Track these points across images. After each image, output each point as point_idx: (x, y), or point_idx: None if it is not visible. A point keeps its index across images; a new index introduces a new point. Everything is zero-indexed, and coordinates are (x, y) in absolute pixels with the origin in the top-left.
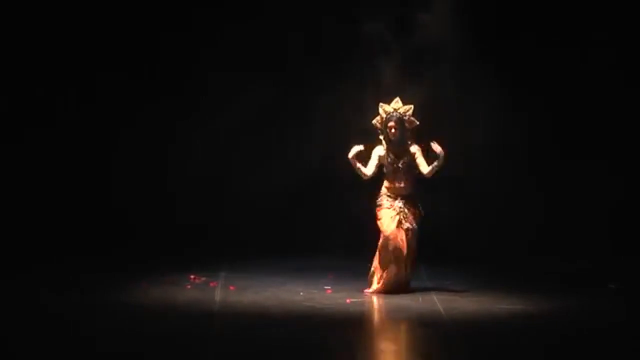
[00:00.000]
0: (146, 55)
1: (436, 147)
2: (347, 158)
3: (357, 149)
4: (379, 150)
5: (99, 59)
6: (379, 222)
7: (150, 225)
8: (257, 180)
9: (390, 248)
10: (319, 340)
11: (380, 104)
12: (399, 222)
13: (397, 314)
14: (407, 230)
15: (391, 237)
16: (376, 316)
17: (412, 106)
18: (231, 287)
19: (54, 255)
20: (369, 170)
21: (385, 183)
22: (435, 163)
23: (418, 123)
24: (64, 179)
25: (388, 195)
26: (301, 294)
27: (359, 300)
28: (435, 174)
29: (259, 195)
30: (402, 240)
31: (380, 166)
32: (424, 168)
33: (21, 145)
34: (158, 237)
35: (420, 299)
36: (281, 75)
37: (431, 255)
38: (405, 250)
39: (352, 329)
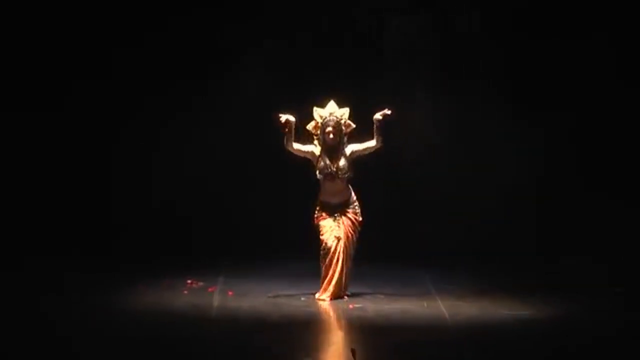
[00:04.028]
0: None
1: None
2: (286, 122)
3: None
4: (313, 148)
5: (92, 62)
6: (321, 231)
7: (147, 228)
8: (256, 181)
9: (329, 258)
10: (319, 346)
11: (315, 108)
12: (337, 232)
13: (400, 319)
14: (339, 239)
15: (331, 249)
16: (379, 321)
17: (347, 109)
18: (229, 292)
19: (47, 256)
20: (294, 145)
21: (322, 191)
22: (377, 133)
23: (354, 126)
24: (62, 178)
25: (325, 205)
26: (302, 299)
27: (361, 306)
28: (383, 137)
29: (258, 197)
30: (339, 248)
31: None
32: (372, 144)
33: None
34: (155, 240)
35: (425, 304)
36: (279, 75)
37: (435, 259)
38: (342, 260)
39: (354, 335)
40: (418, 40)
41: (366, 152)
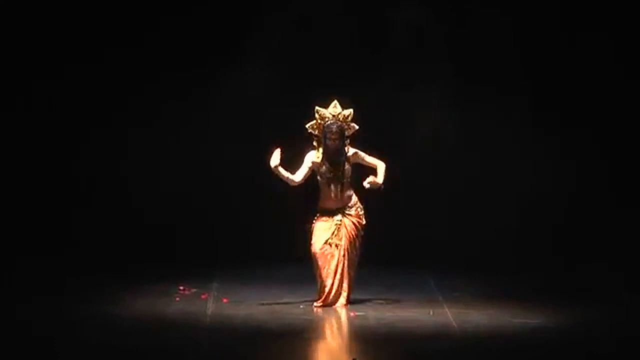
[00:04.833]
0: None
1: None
2: (269, 167)
3: (277, 155)
4: (312, 156)
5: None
6: (312, 235)
7: (139, 232)
8: (253, 184)
9: (320, 263)
10: (318, 357)
11: (317, 108)
12: (331, 236)
13: (404, 328)
14: (337, 246)
15: (318, 254)
16: (382, 330)
17: (351, 110)
18: (224, 300)
19: (38, 257)
20: (298, 176)
21: (321, 198)
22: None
23: (357, 128)
24: (52, 180)
25: (324, 211)
26: (301, 307)
27: (363, 313)
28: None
29: (255, 201)
30: (331, 255)
31: (311, 173)
32: (374, 165)
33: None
34: (145, 244)
35: (431, 311)
36: (278, 74)
37: (443, 265)
38: (335, 266)
39: (355, 345)
40: (425, 39)
41: (367, 166)
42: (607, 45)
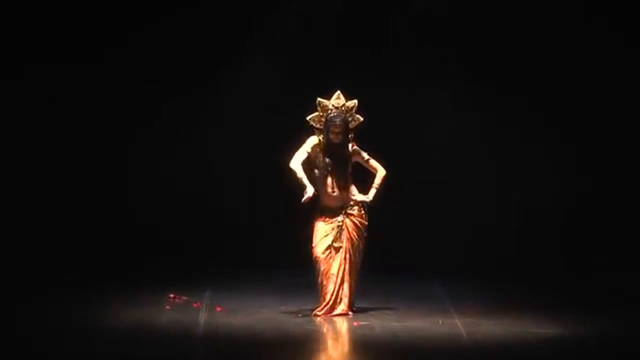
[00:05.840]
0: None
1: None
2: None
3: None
4: (314, 140)
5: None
6: (312, 238)
7: (126, 238)
8: (249, 187)
9: (322, 268)
10: None
11: (319, 99)
12: (334, 240)
13: (411, 339)
14: (339, 248)
15: (320, 258)
16: (387, 341)
17: (355, 101)
18: (217, 308)
19: (19, 258)
20: (297, 163)
21: (321, 194)
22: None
23: (362, 119)
24: (45, 183)
25: (325, 209)
26: (299, 315)
27: (368, 323)
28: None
29: (251, 204)
30: (333, 258)
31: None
32: (373, 168)
33: None
34: (134, 250)
35: (440, 321)
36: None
37: (446, 270)
38: (338, 269)
39: (359, 356)
40: (425, 38)
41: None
42: (611, 44)
